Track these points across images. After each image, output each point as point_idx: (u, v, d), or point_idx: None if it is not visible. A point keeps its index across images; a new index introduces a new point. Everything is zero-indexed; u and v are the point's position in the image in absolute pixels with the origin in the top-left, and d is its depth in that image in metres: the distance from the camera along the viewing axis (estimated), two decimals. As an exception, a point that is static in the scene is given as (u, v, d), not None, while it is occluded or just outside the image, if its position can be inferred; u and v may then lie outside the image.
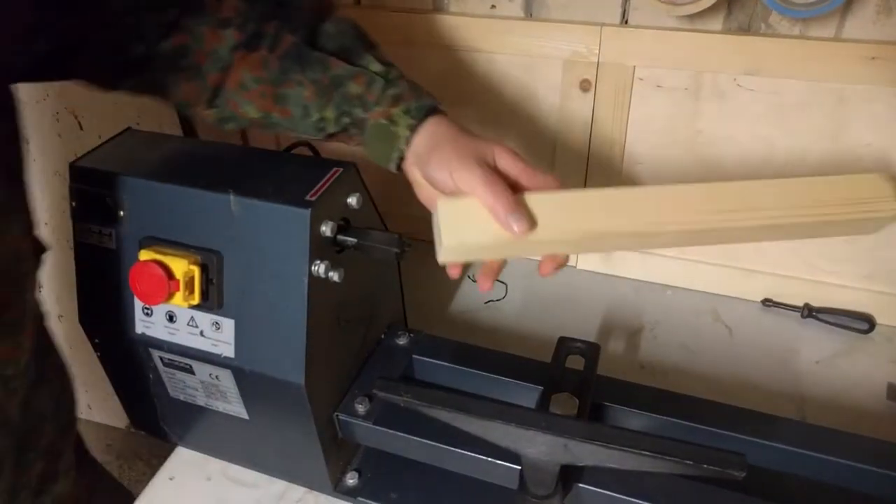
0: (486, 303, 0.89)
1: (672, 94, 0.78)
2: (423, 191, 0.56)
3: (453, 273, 0.56)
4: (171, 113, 1.03)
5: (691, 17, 0.73)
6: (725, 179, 0.84)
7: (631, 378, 0.65)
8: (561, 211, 0.49)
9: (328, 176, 0.55)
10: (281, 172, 0.57)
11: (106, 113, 1.05)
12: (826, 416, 0.72)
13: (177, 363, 0.60)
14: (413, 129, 0.54)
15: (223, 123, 0.59)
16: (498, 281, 0.71)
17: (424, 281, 0.80)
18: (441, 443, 0.58)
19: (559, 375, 0.62)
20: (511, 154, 0.52)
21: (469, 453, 0.57)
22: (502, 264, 0.56)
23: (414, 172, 0.55)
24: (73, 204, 0.60)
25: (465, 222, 0.49)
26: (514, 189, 0.49)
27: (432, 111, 0.55)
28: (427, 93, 0.57)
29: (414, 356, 0.67)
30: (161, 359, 0.61)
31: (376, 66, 0.57)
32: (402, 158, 0.55)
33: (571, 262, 0.93)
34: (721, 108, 0.77)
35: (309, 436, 0.59)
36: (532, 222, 0.48)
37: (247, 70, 0.56)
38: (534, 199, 0.49)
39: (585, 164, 0.87)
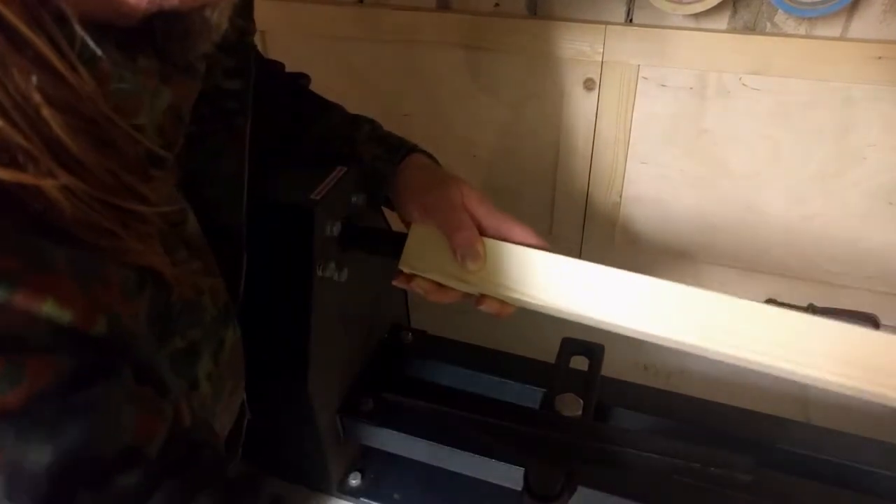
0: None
1: (677, 94, 0.78)
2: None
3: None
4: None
5: (696, 15, 0.72)
6: (728, 182, 0.84)
7: (634, 379, 0.64)
8: (515, 267, 0.48)
9: (332, 175, 0.55)
10: (285, 171, 0.57)
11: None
12: (830, 417, 0.71)
13: (179, 362, 0.60)
14: (393, 166, 0.56)
15: None
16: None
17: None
18: (445, 443, 0.57)
19: (563, 376, 0.61)
20: (478, 195, 0.52)
21: (473, 454, 0.57)
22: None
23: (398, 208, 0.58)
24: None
25: (424, 252, 0.50)
26: (478, 230, 0.50)
27: (411, 150, 0.58)
28: (408, 141, 0.60)
29: (417, 356, 0.67)
30: (163, 358, 0.60)
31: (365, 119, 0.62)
32: (387, 196, 0.58)
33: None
34: (726, 107, 0.77)
35: (312, 436, 0.59)
36: (483, 263, 0.48)
37: None
38: (494, 246, 0.49)
39: (589, 163, 0.86)
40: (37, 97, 0.26)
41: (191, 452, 0.32)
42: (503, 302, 0.50)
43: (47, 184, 0.26)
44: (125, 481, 0.28)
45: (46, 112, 0.26)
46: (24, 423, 0.26)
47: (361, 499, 0.64)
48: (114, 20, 0.31)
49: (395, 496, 0.63)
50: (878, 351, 0.40)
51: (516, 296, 0.48)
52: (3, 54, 0.25)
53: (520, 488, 0.54)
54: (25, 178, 0.26)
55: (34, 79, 0.25)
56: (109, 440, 0.28)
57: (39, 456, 0.26)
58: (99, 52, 0.29)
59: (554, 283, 0.47)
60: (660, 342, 0.46)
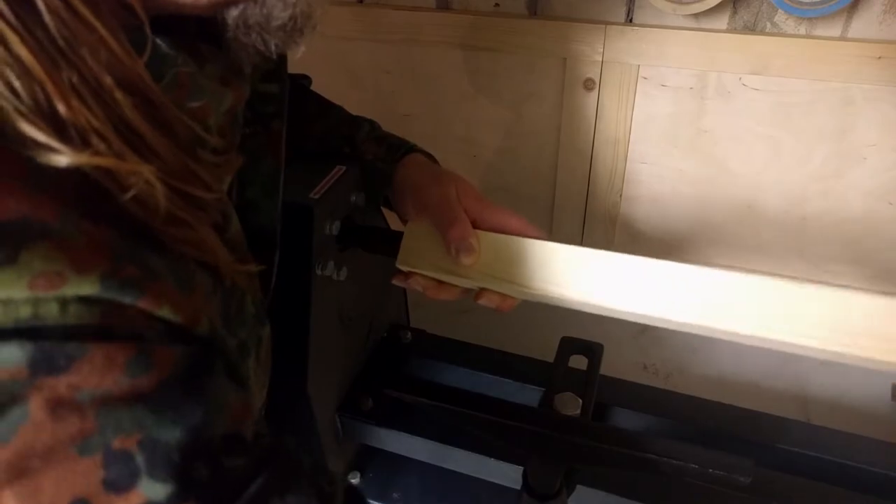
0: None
1: (677, 94, 0.78)
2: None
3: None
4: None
5: (696, 15, 0.72)
6: (727, 182, 0.84)
7: (634, 379, 0.64)
8: (512, 258, 0.48)
9: (332, 174, 0.55)
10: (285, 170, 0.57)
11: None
12: (830, 417, 0.72)
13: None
14: (393, 165, 0.57)
15: None
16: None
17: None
18: (444, 442, 0.57)
19: (562, 375, 0.61)
20: (473, 190, 0.52)
21: (472, 453, 0.56)
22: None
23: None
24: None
25: (421, 248, 0.50)
26: (475, 225, 0.50)
27: (409, 150, 0.58)
28: (407, 141, 0.60)
29: (416, 356, 0.67)
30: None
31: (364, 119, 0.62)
32: (386, 196, 0.58)
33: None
34: (726, 107, 0.77)
35: (311, 435, 0.59)
36: (477, 257, 0.48)
37: None
38: (490, 239, 0.49)
39: (589, 163, 0.86)
40: (108, 79, 0.26)
41: (273, 442, 0.35)
42: (503, 295, 0.49)
43: (144, 169, 0.27)
44: (232, 462, 0.31)
45: (119, 95, 0.27)
46: (158, 406, 0.28)
47: (361, 498, 0.64)
48: (180, 12, 0.31)
49: (395, 496, 0.63)
50: (880, 315, 0.40)
51: (515, 287, 0.48)
52: (75, 35, 0.25)
53: (519, 487, 0.54)
54: (124, 165, 0.27)
55: (104, 60, 0.26)
56: (220, 423, 0.31)
57: (172, 435, 0.28)
58: (175, 55, 0.30)
59: (552, 272, 0.47)
60: (660, 324, 0.45)
